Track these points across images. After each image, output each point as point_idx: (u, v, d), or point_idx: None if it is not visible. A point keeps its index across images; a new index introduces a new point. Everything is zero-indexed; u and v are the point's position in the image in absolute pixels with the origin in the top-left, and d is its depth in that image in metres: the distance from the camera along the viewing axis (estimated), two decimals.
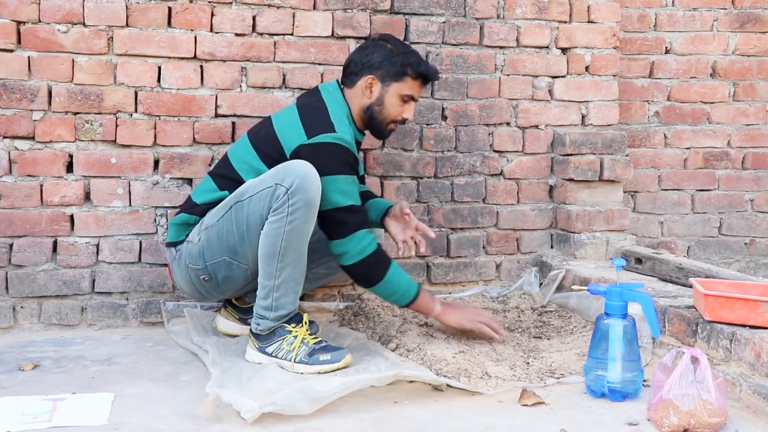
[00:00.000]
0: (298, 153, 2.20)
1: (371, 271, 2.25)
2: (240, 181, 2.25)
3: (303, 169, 2.11)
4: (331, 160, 2.20)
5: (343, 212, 2.21)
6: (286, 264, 2.13)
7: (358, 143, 2.40)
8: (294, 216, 2.09)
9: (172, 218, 2.40)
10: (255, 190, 2.15)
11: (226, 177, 2.31)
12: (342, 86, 2.38)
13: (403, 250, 2.43)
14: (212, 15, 2.67)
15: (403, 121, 2.40)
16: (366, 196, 2.51)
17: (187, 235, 2.30)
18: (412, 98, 2.36)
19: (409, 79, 2.33)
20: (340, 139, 2.21)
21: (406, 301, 2.29)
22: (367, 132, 2.43)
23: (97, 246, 2.61)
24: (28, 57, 2.52)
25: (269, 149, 2.27)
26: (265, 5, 2.72)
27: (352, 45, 2.80)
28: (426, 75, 2.35)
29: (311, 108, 2.29)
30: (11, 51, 2.51)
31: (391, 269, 2.25)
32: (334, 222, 2.22)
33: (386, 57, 2.31)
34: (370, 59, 2.32)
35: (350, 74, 2.36)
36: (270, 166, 2.21)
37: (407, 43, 2.43)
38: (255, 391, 1.89)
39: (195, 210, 2.31)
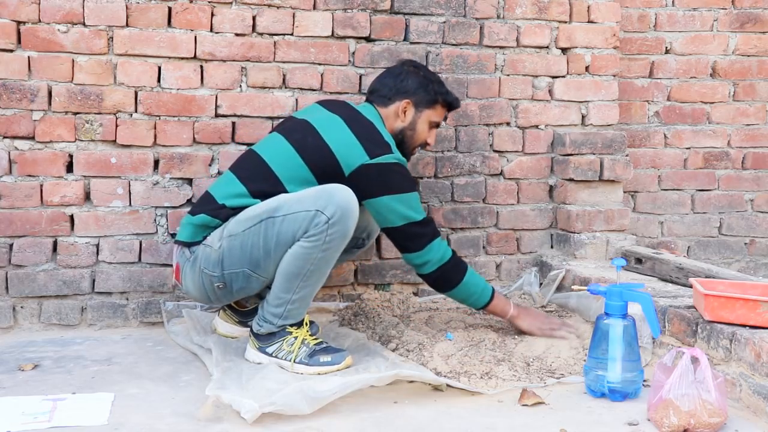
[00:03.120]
0: (362, 173, 2.19)
1: (451, 275, 2.31)
2: (282, 190, 2.19)
3: (346, 200, 2.08)
4: (399, 180, 2.24)
5: (418, 226, 2.25)
6: (308, 284, 2.13)
7: None
8: (329, 245, 2.08)
9: (188, 216, 2.29)
10: (291, 210, 2.09)
11: (262, 182, 2.21)
12: (376, 106, 2.40)
13: None
14: (212, 15, 2.67)
15: (425, 146, 2.48)
16: None
17: (205, 237, 2.22)
18: (437, 125, 2.47)
19: (440, 107, 2.44)
20: (400, 159, 2.27)
21: (483, 303, 2.36)
22: None
23: (97, 246, 2.61)
24: (28, 57, 2.52)
25: (323, 164, 2.21)
26: (265, 5, 2.72)
27: (352, 45, 2.81)
28: (452, 104, 2.47)
29: (362, 126, 2.28)
30: (11, 51, 2.51)
31: (469, 272, 2.33)
32: (410, 236, 2.26)
33: (421, 85, 2.40)
34: (405, 85, 2.39)
35: (382, 97, 2.40)
36: (322, 181, 2.18)
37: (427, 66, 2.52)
38: (255, 392, 1.89)
39: (220, 213, 2.20)
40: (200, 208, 2.26)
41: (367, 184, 2.20)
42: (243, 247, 2.14)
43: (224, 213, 2.20)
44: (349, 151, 2.21)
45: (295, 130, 2.30)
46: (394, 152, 2.26)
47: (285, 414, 1.80)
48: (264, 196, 2.18)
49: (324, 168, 2.21)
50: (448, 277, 2.31)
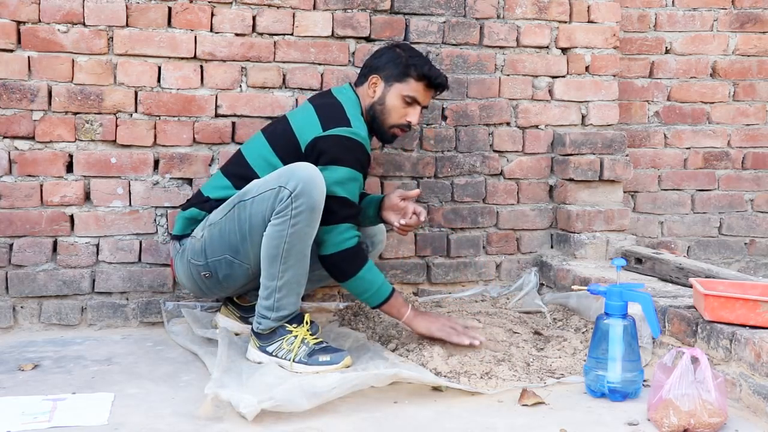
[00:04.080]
0: (314, 145, 2.23)
1: (345, 264, 2.22)
2: (255, 177, 2.25)
3: (308, 173, 2.11)
4: (342, 152, 2.23)
5: (334, 202, 2.19)
6: (289, 266, 2.13)
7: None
8: (297, 219, 2.09)
9: (180, 211, 2.38)
10: (258, 191, 2.15)
11: (241, 175, 2.29)
12: (355, 87, 2.44)
13: (401, 230, 2.43)
14: (212, 15, 2.67)
15: (408, 126, 2.41)
16: (361, 195, 2.51)
17: (193, 230, 2.30)
18: (415, 101, 2.38)
19: (412, 80, 2.37)
20: (355, 134, 2.25)
21: (378, 302, 2.26)
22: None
23: (97, 246, 2.61)
24: (28, 57, 2.52)
25: (285, 144, 2.29)
26: (265, 5, 2.72)
27: (352, 45, 2.81)
28: (429, 78, 2.37)
29: (327, 105, 2.33)
30: (11, 51, 2.51)
31: (366, 267, 2.23)
32: (324, 209, 2.17)
33: (392, 59, 2.38)
34: (378, 61, 2.40)
35: (360, 76, 2.44)
36: (285, 162, 2.23)
37: (420, 52, 2.47)
38: (254, 388, 1.89)
39: (205, 206, 2.30)
40: (191, 202, 2.37)
41: (317, 155, 2.23)
42: (222, 233, 2.21)
43: (209, 205, 2.29)
44: (307, 128, 2.27)
45: (272, 124, 2.42)
46: (354, 127, 2.25)
47: (284, 410, 1.80)
48: (243, 186, 2.24)
49: (286, 149, 2.27)
50: (342, 266, 2.23)
